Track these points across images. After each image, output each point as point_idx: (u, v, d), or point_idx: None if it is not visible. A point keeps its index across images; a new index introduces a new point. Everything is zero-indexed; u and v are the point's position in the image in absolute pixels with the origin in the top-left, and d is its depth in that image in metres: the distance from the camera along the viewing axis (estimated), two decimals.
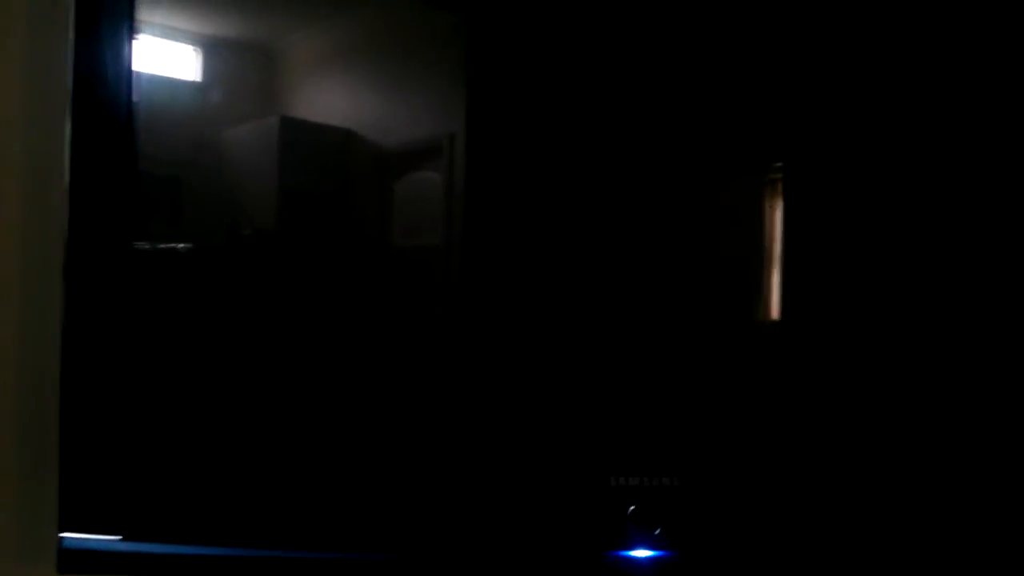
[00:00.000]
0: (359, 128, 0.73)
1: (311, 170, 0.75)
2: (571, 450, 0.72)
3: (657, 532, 0.70)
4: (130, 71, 0.69)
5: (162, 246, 0.71)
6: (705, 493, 0.71)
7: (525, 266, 0.74)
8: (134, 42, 0.69)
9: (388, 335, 0.74)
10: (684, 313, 0.75)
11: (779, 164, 0.76)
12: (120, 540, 0.70)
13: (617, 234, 0.74)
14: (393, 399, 0.73)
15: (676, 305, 0.75)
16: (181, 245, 0.71)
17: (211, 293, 0.73)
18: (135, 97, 0.69)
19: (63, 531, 0.70)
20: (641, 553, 0.70)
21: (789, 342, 0.76)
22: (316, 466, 0.72)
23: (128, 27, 0.69)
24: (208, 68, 0.71)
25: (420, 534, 0.71)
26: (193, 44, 0.71)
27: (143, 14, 0.69)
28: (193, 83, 0.71)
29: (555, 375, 0.73)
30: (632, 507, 0.70)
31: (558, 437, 0.73)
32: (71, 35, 0.68)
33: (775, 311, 0.76)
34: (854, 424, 0.74)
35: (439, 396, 0.73)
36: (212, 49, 0.72)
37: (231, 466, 0.71)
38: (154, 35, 0.70)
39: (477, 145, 0.74)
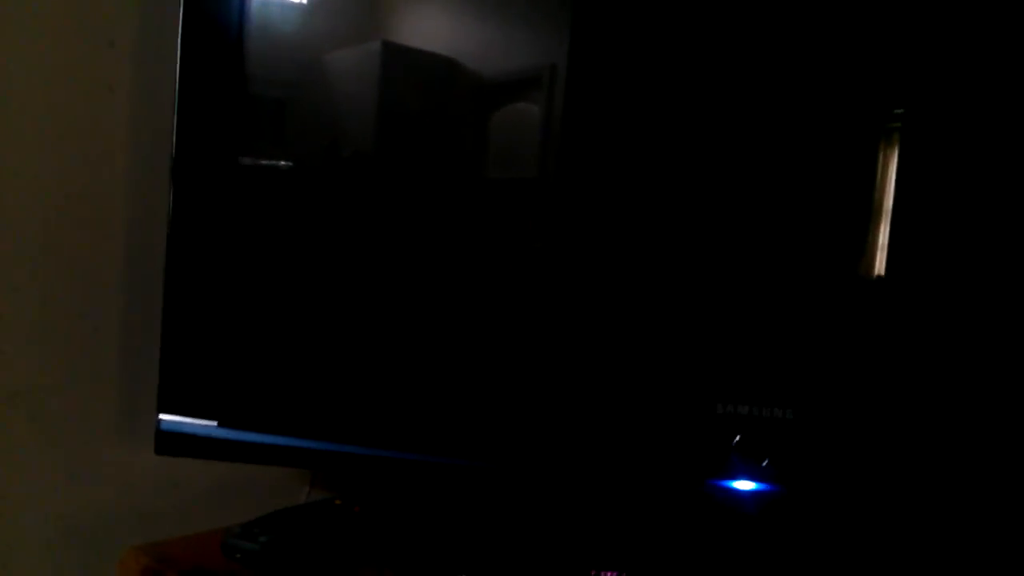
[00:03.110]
0: (460, 56, 0.73)
1: (411, 96, 0.76)
2: (678, 371, 0.69)
3: (764, 465, 0.66)
4: None
5: (265, 162, 0.74)
6: (820, 429, 0.66)
7: (627, 200, 0.72)
8: None
9: (478, 264, 0.75)
10: (815, 234, 0.69)
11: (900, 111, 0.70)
12: (216, 426, 0.72)
13: (728, 164, 0.70)
14: (489, 324, 0.74)
15: (809, 224, 0.69)
16: (283, 162, 0.74)
17: (309, 208, 0.76)
18: (244, 19, 0.72)
19: (162, 413, 0.73)
20: (744, 485, 0.67)
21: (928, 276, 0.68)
22: (416, 375, 0.73)
23: None
24: None
25: (523, 446, 0.71)
26: None
27: None
28: (299, 5, 0.73)
29: (664, 296, 0.70)
30: (738, 436, 0.67)
31: (665, 357, 0.69)
32: None
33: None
34: (988, 369, 0.66)
35: (545, 319, 0.73)
36: None
37: (325, 366, 0.74)
38: None
39: (578, 78, 0.72)
